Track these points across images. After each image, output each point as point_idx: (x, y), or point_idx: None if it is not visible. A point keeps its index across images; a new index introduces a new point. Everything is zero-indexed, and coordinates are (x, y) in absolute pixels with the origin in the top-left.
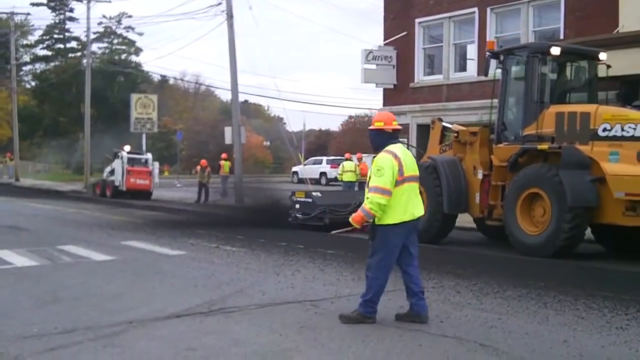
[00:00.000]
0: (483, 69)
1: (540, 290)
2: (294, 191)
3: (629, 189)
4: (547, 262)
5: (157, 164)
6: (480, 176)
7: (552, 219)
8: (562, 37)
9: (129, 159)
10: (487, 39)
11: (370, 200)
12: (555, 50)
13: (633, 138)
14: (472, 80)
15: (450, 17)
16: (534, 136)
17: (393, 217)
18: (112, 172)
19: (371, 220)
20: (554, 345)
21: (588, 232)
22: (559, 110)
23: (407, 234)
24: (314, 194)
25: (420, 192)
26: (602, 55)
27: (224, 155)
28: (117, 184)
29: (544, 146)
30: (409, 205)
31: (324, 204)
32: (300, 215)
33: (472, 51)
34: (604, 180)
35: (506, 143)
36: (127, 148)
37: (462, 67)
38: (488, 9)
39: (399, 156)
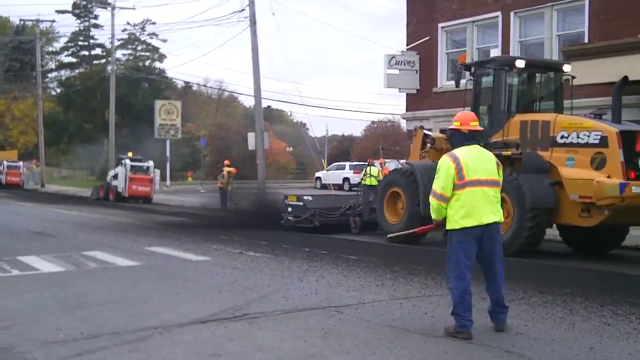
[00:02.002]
0: (455, 80)
1: (566, 297)
2: (287, 195)
3: (582, 192)
4: (572, 269)
5: (158, 172)
6: None
7: (514, 220)
8: (586, 40)
9: (131, 166)
10: (511, 43)
11: (430, 202)
12: (520, 63)
13: (587, 145)
14: None
15: (473, 22)
16: (501, 143)
17: (453, 222)
18: (115, 176)
19: (441, 223)
20: (580, 352)
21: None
22: (523, 119)
23: (476, 241)
24: (305, 197)
25: (400, 196)
26: (566, 67)
27: (227, 162)
28: (119, 189)
29: (508, 152)
30: (474, 211)
31: (314, 207)
32: (292, 218)
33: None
34: (561, 184)
35: None
36: (130, 155)
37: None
38: (512, 13)
39: (462, 159)
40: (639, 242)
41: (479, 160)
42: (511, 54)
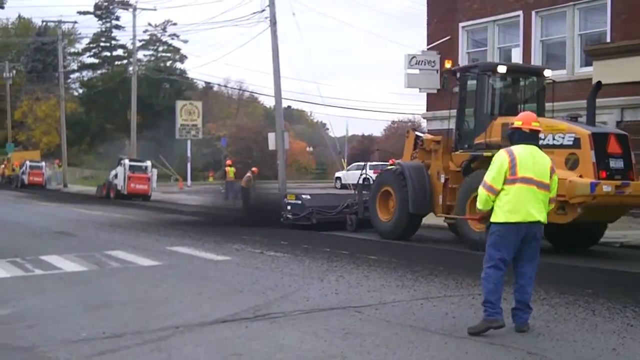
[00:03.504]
0: (442, 85)
1: (588, 297)
2: (286, 194)
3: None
4: (595, 269)
5: (155, 171)
6: (442, 180)
7: None
8: (608, 40)
9: (130, 166)
10: (532, 43)
11: (479, 192)
12: (502, 69)
13: (562, 146)
14: None
15: (494, 21)
16: (483, 144)
17: (499, 216)
18: (116, 176)
19: (484, 215)
20: (602, 354)
21: None
22: (505, 122)
23: (518, 238)
24: (303, 196)
25: (390, 195)
26: (547, 72)
27: (229, 162)
28: (119, 188)
29: (489, 153)
30: (520, 207)
31: (312, 205)
32: (290, 216)
33: (517, 55)
34: None
35: (461, 150)
36: (130, 156)
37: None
38: (533, 12)
39: (517, 156)
40: None
41: (533, 160)
42: (532, 53)
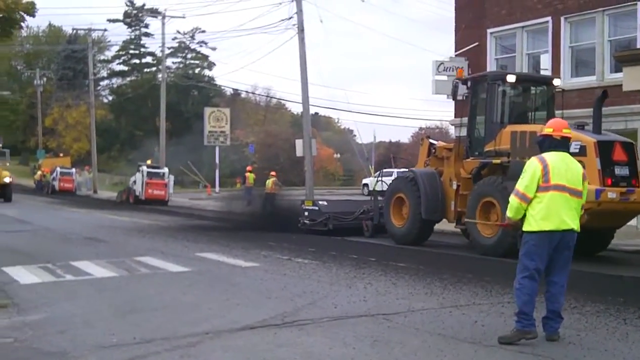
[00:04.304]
0: (452, 93)
1: (620, 306)
2: (304, 200)
3: None
4: (626, 278)
5: (172, 177)
6: (454, 187)
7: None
8: (638, 45)
9: (148, 172)
10: (562, 49)
11: (510, 200)
12: (511, 78)
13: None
14: None
15: (523, 27)
16: (493, 152)
17: (531, 224)
18: (135, 182)
19: (514, 224)
20: None
21: None
22: (514, 130)
23: (551, 246)
24: (320, 202)
25: (403, 201)
26: (556, 81)
27: (249, 168)
28: (137, 193)
29: (498, 160)
30: (554, 215)
31: (329, 211)
32: (307, 222)
33: (545, 61)
34: None
35: (472, 158)
36: (149, 162)
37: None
38: (562, 18)
39: (550, 163)
40: None
41: (566, 167)
42: (562, 59)
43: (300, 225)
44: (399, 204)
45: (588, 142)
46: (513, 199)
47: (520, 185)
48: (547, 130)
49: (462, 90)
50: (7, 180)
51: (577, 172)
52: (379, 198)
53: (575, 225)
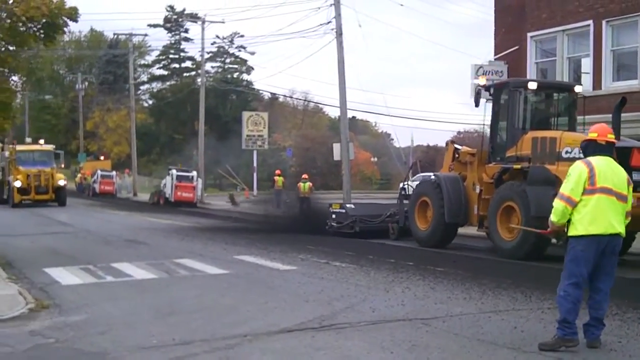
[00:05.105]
0: (474, 100)
1: None
2: (331, 203)
3: None
4: None
5: (200, 180)
6: (477, 191)
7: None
8: None
9: (177, 175)
10: (603, 53)
11: (554, 205)
12: (532, 85)
13: None
14: (586, 95)
15: (564, 31)
16: (514, 157)
17: (578, 228)
18: (165, 185)
19: (556, 229)
20: None
21: None
22: (535, 136)
23: (598, 251)
24: (347, 205)
25: (427, 204)
26: (578, 88)
27: (277, 172)
28: (167, 195)
29: (518, 166)
30: (601, 218)
31: (356, 214)
32: (335, 224)
33: (587, 65)
34: None
35: (494, 163)
36: (178, 166)
37: (577, 81)
38: (603, 22)
39: (596, 166)
40: None
41: (611, 172)
42: (603, 63)
43: (328, 227)
44: (424, 208)
45: None
46: (558, 203)
47: (566, 188)
48: (592, 135)
49: (485, 96)
50: (61, 183)
51: (623, 177)
52: (404, 202)
53: (621, 229)
